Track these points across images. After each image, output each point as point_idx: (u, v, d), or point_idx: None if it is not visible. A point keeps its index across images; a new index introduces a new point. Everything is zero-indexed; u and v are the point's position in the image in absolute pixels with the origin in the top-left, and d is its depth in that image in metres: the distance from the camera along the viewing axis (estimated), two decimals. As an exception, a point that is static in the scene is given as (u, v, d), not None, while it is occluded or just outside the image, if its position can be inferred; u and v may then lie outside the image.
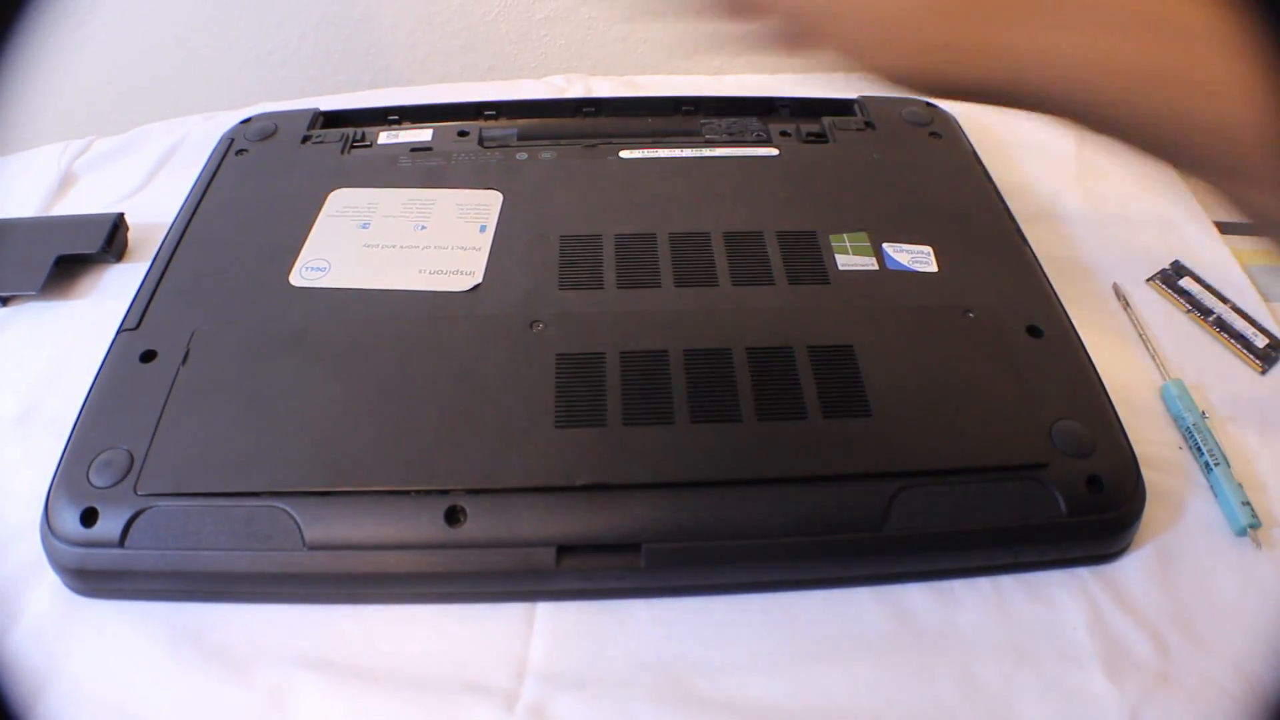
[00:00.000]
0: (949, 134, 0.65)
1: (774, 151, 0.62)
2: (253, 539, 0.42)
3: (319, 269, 0.53)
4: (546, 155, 0.62)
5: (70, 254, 0.59)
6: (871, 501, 0.43)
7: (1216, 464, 0.47)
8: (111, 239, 0.60)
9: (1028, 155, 0.70)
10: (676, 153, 0.62)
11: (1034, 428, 0.45)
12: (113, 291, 0.58)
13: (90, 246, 0.59)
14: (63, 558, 0.42)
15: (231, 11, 0.95)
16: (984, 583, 0.44)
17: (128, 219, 0.62)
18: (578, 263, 0.53)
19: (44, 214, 0.65)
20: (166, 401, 0.46)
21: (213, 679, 0.41)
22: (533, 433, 0.44)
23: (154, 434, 0.44)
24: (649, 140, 0.64)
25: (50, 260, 0.58)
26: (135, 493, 0.42)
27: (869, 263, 0.54)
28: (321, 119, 0.67)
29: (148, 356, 0.48)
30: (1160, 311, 0.58)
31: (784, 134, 0.65)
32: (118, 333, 0.50)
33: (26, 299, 0.58)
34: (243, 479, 0.43)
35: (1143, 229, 0.64)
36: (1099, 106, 0.32)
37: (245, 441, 0.44)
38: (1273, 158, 0.27)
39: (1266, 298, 0.58)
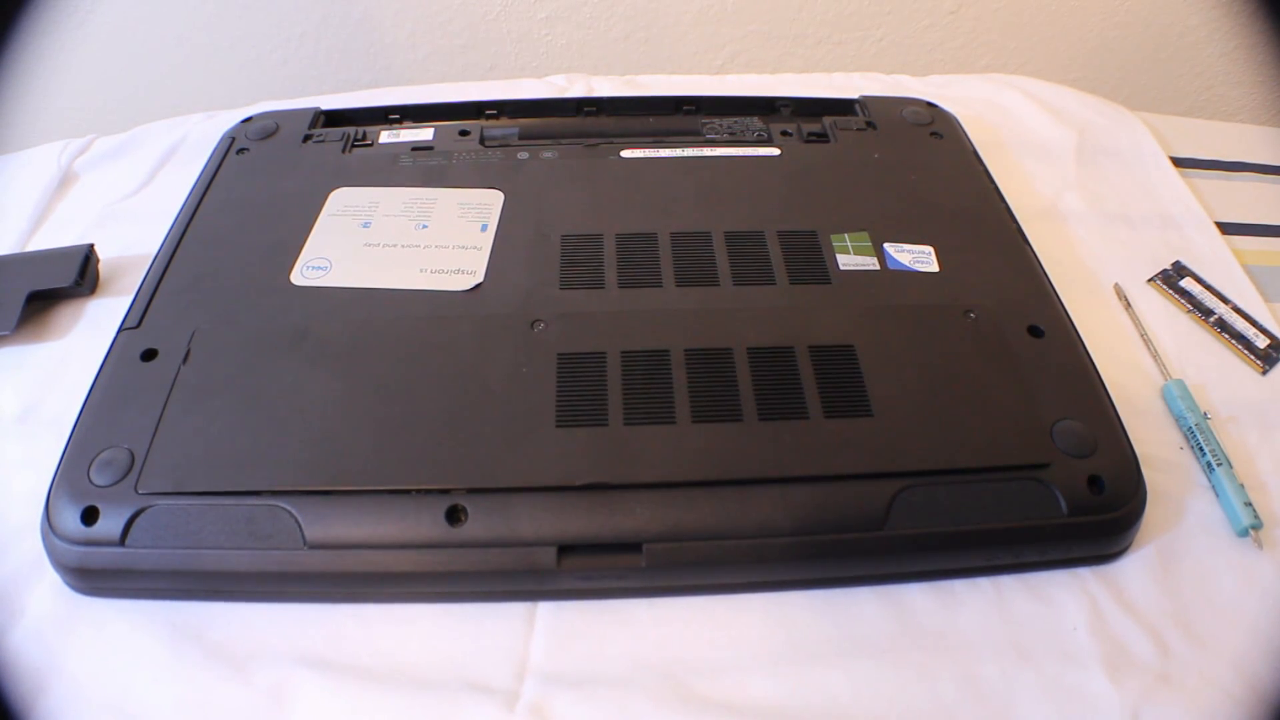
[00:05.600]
0: (950, 134, 0.65)
1: (775, 151, 0.62)
2: (253, 538, 0.42)
3: (320, 268, 0.53)
4: (548, 154, 0.62)
5: (42, 290, 0.56)
6: (872, 501, 0.43)
7: (1218, 464, 0.47)
8: (84, 272, 0.57)
9: (1029, 155, 0.70)
10: (678, 152, 0.62)
11: (1035, 428, 0.45)
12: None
13: (63, 280, 0.57)
14: (63, 556, 0.42)
15: (232, 11, 0.95)
16: (985, 582, 0.44)
17: (101, 251, 0.60)
18: (579, 262, 0.53)
19: (15, 249, 0.62)
20: (167, 400, 0.46)
21: (213, 677, 0.41)
22: (533, 432, 0.44)
23: (155, 433, 0.44)
24: (650, 140, 0.64)
25: (22, 298, 0.55)
26: (136, 491, 0.42)
27: (870, 262, 0.54)
28: (323, 118, 0.67)
29: (149, 355, 0.48)
30: (1161, 312, 0.58)
31: (785, 134, 0.65)
32: (119, 331, 0.50)
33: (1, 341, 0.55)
34: (243, 478, 0.43)
35: (1144, 229, 0.64)
36: None
37: (246, 440, 0.44)
38: None
39: (1267, 298, 0.58)
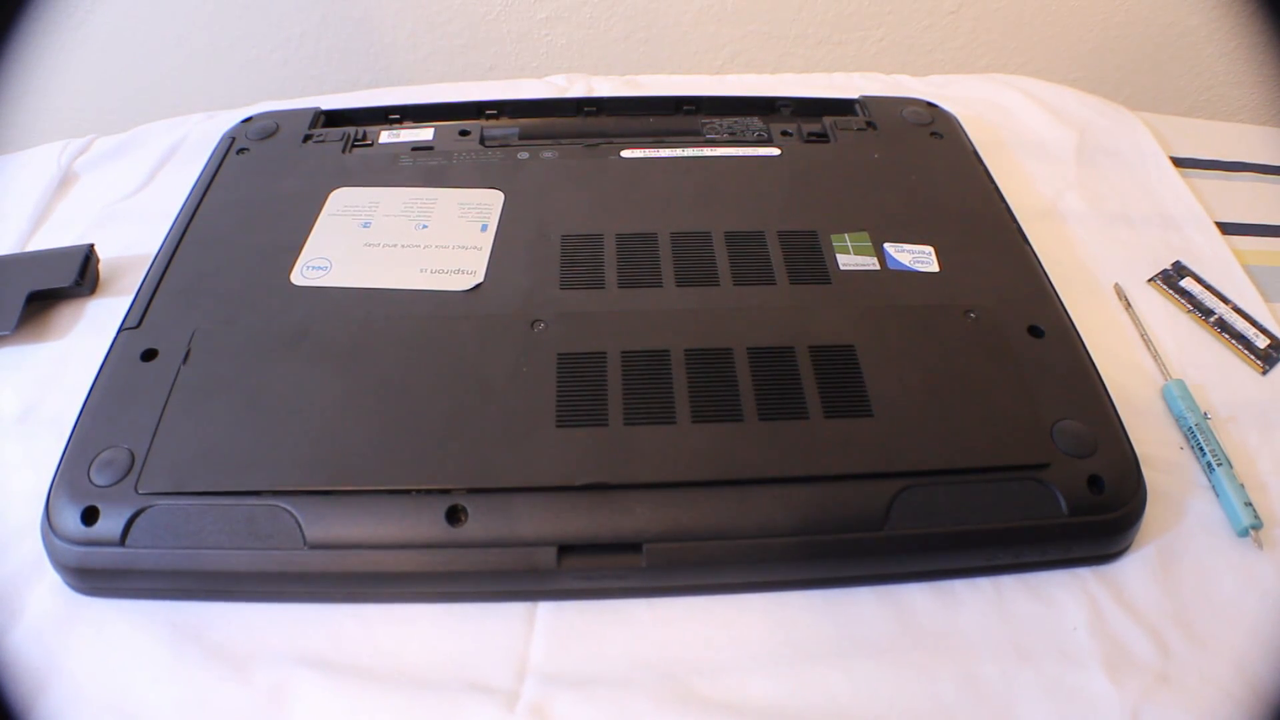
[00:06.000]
0: (950, 134, 0.65)
1: (775, 151, 0.62)
2: (254, 538, 0.42)
3: (320, 268, 0.53)
4: (548, 155, 0.62)
5: (42, 290, 0.56)
6: (873, 501, 0.43)
7: (1218, 464, 0.47)
8: (84, 271, 0.57)
9: (1029, 155, 0.70)
10: (678, 152, 0.62)
11: (1035, 428, 0.45)
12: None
13: (63, 280, 0.57)
14: (63, 556, 0.42)
15: (232, 11, 0.95)
16: (985, 583, 0.44)
17: (101, 251, 0.59)
18: (579, 262, 0.53)
19: (15, 249, 0.62)
20: (167, 400, 0.46)
21: (213, 678, 0.41)
22: (534, 432, 0.44)
23: (155, 433, 0.44)
24: (650, 140, 0.64)
25: (22, 298, 0.55)
26: (136, 491, 0.42)
27: (870, 262, 0.54)
28: (323, 118, 0.67)
29: (149, 355, 0.48)
30: (1161, 312, 0.58)
31: (785, 134, 0.65)
32: (119, 331, 0.50)
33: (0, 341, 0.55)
34: (244, 478, 0.43)
35: (1144, 229, 0.64)
36: None
37: (246, 440, 0.44)
38: None
39: (1267, 298, 0.58)
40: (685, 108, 0.68)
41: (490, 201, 0.58)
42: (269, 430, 0.45)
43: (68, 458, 0.44)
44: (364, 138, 0.64)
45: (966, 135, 0.66)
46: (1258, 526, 0.45)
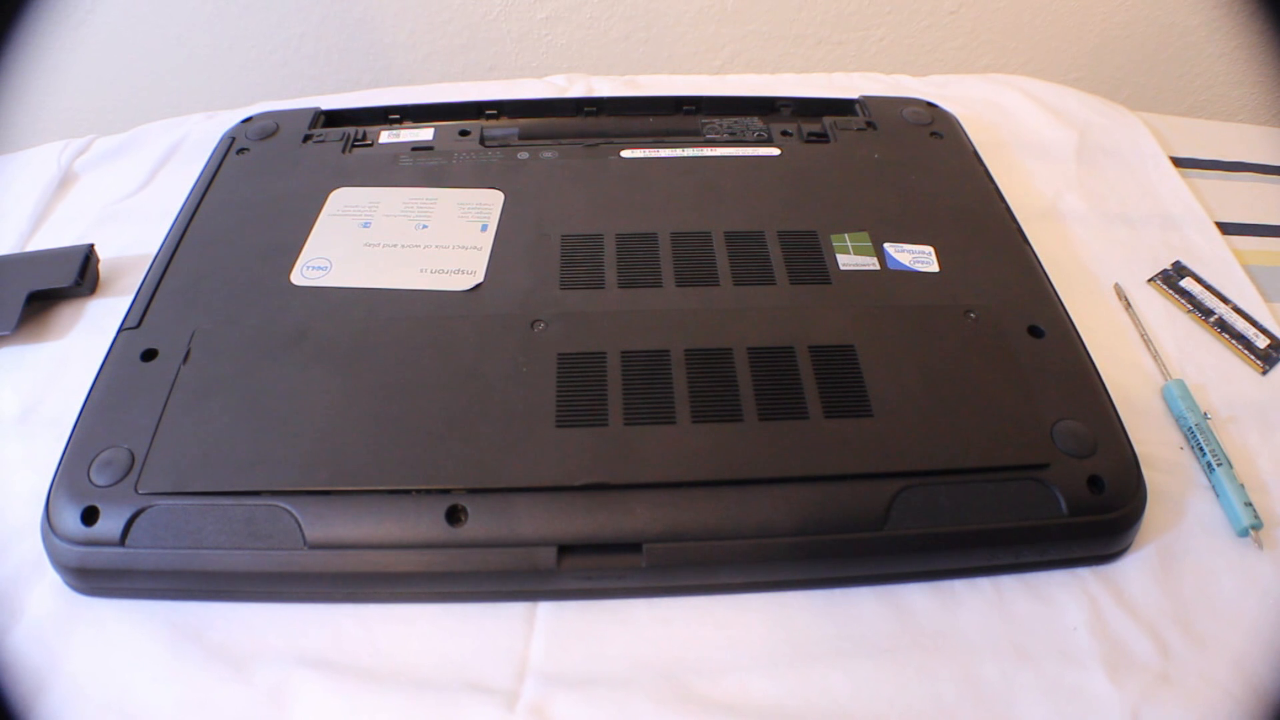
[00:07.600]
0: (950, 134, 0.65)
1: (775, 151, 0.62)
2: (254, 538, 0.42)
3: (320, 268, 0.53)
4: (548, 155, 0.62)
5: (42, 290, 0.56)
6: (873, 501, 0.43)
7: (1218, 464, 0.47)
8: (84, 271, 0.57)
9: (1029, 155, 0.70)
10: (678, 152, 0.62)
11: (1035, 428, 0.45)
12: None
13: (63, 280, 0.57)
14: (63, 556, 0.42)
15: (232, 11, 0.95)
16: (985, 583, 0.44)
17: (101, 251, 0.59)
18: (579, 262, 0.53)
19: (15, 249, 0.62)
20: (167, 400, 0.46)
21: (213, 678, 0.41)
22: (534, 432, 0.44)
23: (155, 433, 0.44)
24: (650, 140, 0.64)
25: (22, 298, 0.55)
26: (136, 491, 0.42)
27: (870, 262, 0.54)
28: (323, 118, 0.67)
29: (149, 355, 0.48)
30: (1161, 312, 0.58)
31: (785, 134, 0.65)
32: (119, 331, 0.50)
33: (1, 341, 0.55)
34: (244, 478, 0.43)
35: (1144, 229, 0.64)
36: None
37: (246, 440, 0.44)
38: None
39: (1267, 298, 0.58)
40: (685, 108, 0.68)
41: (490, 201, 0.58)
42: (269, 430, 0.45)
43: (68, 458, 0.44)
44: (364, 138, 0.64)
45: (966, 135, 0.66)
46: (1258, 526, 0.45)
